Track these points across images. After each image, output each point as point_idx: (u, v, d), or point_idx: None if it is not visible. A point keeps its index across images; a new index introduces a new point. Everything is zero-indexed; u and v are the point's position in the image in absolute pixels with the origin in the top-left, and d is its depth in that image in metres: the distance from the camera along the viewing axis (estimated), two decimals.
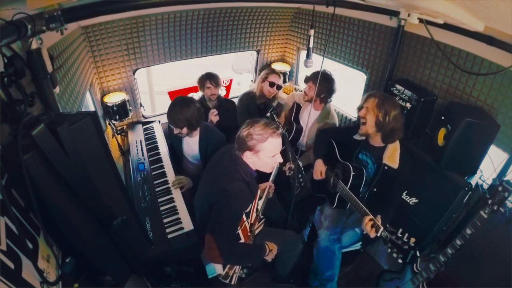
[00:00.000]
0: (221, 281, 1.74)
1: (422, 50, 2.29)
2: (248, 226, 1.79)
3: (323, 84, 2.51)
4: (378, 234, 1.60)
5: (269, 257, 1.82)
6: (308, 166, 2.75)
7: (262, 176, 2.20)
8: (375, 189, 1.93)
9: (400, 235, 1.54)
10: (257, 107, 3.02)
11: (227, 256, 1.61)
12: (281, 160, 1.66)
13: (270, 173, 2.15)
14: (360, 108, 1.96)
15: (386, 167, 1.88)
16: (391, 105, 1.83)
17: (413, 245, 1.49)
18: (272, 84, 2.90)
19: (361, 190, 1.97)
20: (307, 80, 2.66)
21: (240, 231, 1.72)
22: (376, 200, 1.91)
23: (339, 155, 2.12)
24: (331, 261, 2.04)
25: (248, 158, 1.61)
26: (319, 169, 2.17)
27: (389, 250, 1.58)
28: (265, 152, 1.57)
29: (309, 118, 2.71)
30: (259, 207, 1.91)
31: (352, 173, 1.93)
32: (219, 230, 1.58)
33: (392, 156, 1.88)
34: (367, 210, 1.72)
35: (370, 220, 1.66)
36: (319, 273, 2.09)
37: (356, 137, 2.07)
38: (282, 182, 2.53)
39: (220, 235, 1.57)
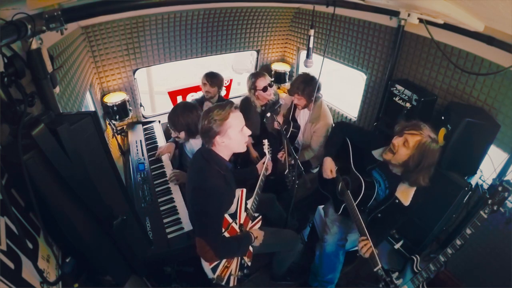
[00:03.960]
0: (219, 284, 1.74)
1: (422, 50, 2.29)
2: (237, 227, 1.76)
3: (305, 89, 2.45)
4: (374, 270, 1.56)
5: (256, 243, 1.80)
6: (307, 166, 2.75)
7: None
8: (379, 215, 1.83)
9: (396, 280, 1.50)
10: (259, 113, 2.98)
11: (221, 253, 1.63)
12: (249, 132, 1.64)
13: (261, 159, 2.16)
14: (397, 133, 1.70)
15: (397, 201, 1.74)
16: (432, 154, 1.60)
17: None
18: (265, 89, 2.79)
19: (369, 205, 1.88)
20: (290, 93, 2.58)
21: (226, 234, 1.70)
22: (377, 223, 1.85)
23: (353, 161, 1.99)
24: (334, 266, 2.03)
25: (220, 143, 1.57)
26: (329, 167, 2.03)
27: (380, 286, 1.58)
28: (233, 128, 1.55)
29: (303, 118, 2.70)
30: (249, 206, 1.88)
31: (363, 188, 1.81)
32: (207, 230, 1.58)
33: (406, 192, 1.73)
34: (367, 234, 1.66)
35: (369, 246, 1.61)
36: (320, 275, 2.08)
37: (375, 154, 1.87)
38: (281, 183, 2.53)
39: (210, 235, 1.58)
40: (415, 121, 1.70)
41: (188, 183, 1.74)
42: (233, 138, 1.58)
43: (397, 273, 1.53)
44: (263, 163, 2.08)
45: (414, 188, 1.72)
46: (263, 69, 3.69)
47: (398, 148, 1.66)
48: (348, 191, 1.90)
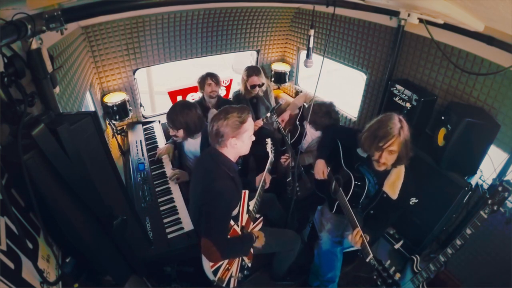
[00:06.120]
0: (220, 286, 1.74)
1: (422, 50, 2.29)
2: (238, 229, 1.77)
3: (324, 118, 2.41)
4: (367, 260, 1.57)
5: (258, 244, 1.81)
6: (307, 167, 2.75)
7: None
8: (371, 212, 1.87)
9: (388, 267, 1.52)
10: (249, 102, 3.03)
11: (227, 253, 1.64)
12: (254, 138, 1.70)
13: (264, 166, 2.16)
14: (376, 150, 1.68)
15: (385, 195, 1.76)
16: (409, 134, 1.66)
17: (397, 279, 1.50)
18: (253, 87, 2.92)
19: (361, 201, 1.89)
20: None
21: (228, 236, 1.70)
22: (371, 219, 1.87)
23: (343, 160, 2.03)
24: (332, 264, 2.03)
25: (233, 146, 1.61)
26: (321, 169, 2.07)
27: (374, 277, 1.58)
28: (247, 133, 1.62)
29: (310, 131, 2.68)
30: (251, 208, 1.88)
31: (353, 183, 1.84)
32: (213, 231, 1.58)
33: (393, 185, 1.75)
34: (358, 226, 1.67)
35: (361, 236, 1.62)
36: (320, 274, 2.09)
37: (360, 152, 1.91)
38: (281, 184, 2.53)
39: (216, 236, 1.58)
40: (379, 129, 1.68)
41: (195, 183, 1.75)
42: (245, 142, 1.64)
43: (389, 261, 1.54)
44: (262, 176, 2.06)
45: (400, 180, 1.75)
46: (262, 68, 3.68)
47: (387, 159, 1.69)
48: (340, 188, 1.93)
